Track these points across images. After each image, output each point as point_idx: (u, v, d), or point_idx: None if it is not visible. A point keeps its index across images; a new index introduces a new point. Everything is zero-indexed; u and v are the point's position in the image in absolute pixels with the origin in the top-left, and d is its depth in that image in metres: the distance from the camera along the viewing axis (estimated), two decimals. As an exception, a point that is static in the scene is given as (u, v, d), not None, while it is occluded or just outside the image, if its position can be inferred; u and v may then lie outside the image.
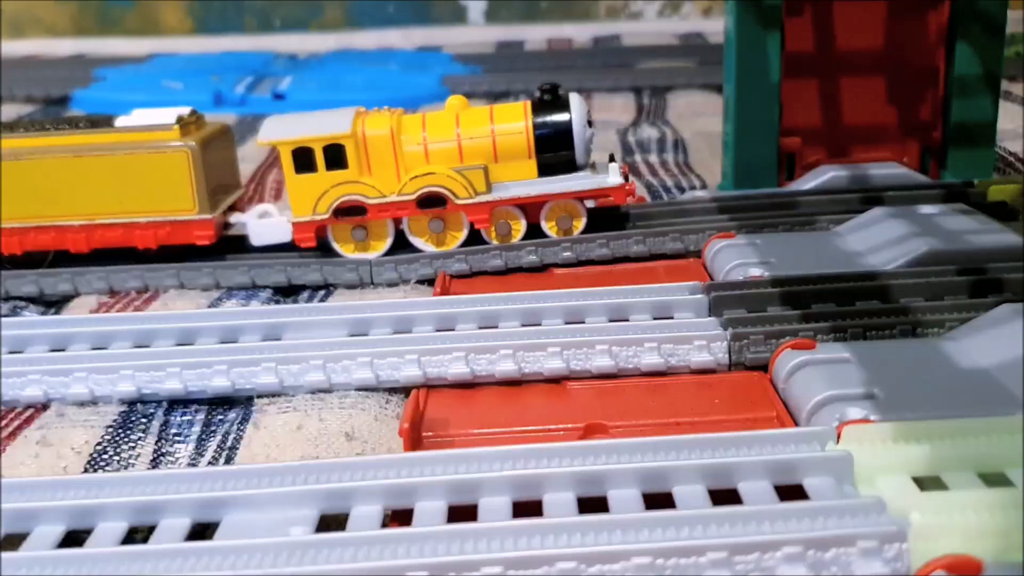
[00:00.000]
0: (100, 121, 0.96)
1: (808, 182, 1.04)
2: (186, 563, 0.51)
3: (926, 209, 0.90)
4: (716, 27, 2.17)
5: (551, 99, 0.93)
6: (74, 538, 0.56)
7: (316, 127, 0.91)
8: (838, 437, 0.56)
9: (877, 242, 0.85)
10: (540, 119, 0.93)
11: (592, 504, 0.54)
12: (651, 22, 2.39)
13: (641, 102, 1.65)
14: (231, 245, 0.98)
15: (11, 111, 1.73)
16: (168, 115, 0.95)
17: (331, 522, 0.56)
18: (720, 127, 1.11)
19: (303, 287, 0.93)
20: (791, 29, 1.03)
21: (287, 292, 0.93)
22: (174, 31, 2.38)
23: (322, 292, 0.92)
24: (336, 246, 0.94)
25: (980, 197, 0.98)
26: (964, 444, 0.55)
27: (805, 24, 1.04)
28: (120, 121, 0.95)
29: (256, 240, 0.95)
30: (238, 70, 1.84)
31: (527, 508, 0.54)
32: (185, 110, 0.97)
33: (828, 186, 1.03)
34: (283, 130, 0.92)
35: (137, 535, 0.57)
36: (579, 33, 2.29)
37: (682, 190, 1.16)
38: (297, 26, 2.38)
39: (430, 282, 0.92)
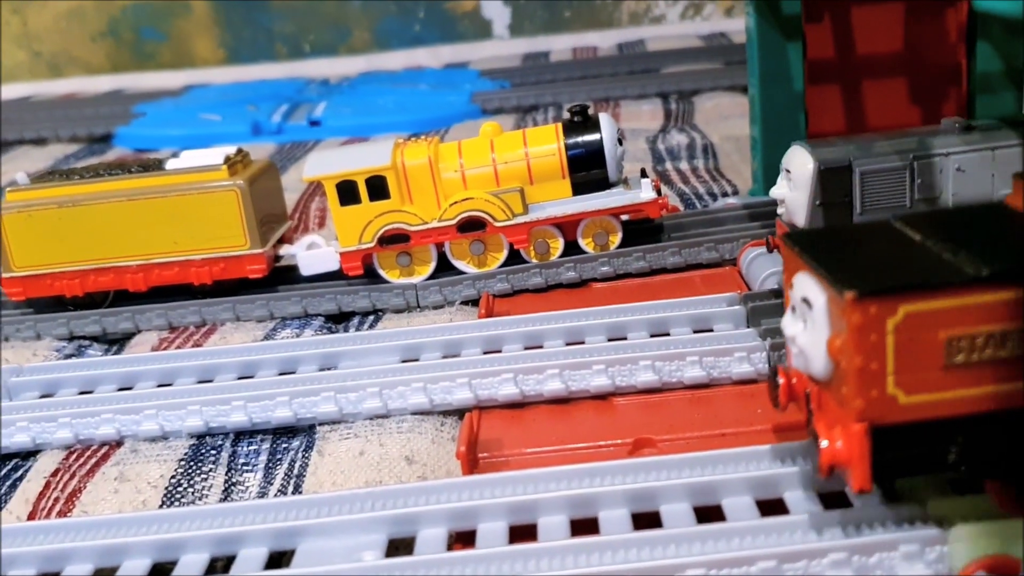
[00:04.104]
0: (151, 165, 1.00)
1: (837, 185, 1.06)
2: (268, 591, 0.54)
3: (954, 208, 0.91)
4: (739, 26, 2.17)
5: (582, 120, 0.96)
6: (160, 570, 0.60)
7: (358, 161, 0.95)
8: (877, 443, 0.59)
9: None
10: (572, 140, 0.96)
11: (646, 519, 0.57)
12: (674, 25, 2.40)
13: (668, 107, 1.67)
14: (282, 276, 1.01)
15: (57, 151, 1.78)
16: (216, 155, 0.99)
17: (399, 545, 0.59)
18: (747, 129, 1.13)
19: (353, 313, 0.96)
20: (812, 36, 1.05)
21: (338, 319, 0.96)
22: (207, 62, 2.42)
23: (371, 317, 0.96)
24: (382, 272, 0.98)
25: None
26: (1000, 445, 0.57)
27: (826, 30, 1.06)
28: (170, 164, 0.99)
29: (306, 270, 0.99)
30: (273, 98, 1.88)
31: (584, 525, 0.57)
32: (231, 149, 1.00)
33: (857, 188, 1.04)
34: (326, 165, 0.95)
35: (218, 564, 0.61)
36: (603, 40, 2.31)
37: (714, 197, 1.18)
38: (327, 51, 2.41)
39: (474, 302, 0.95)
